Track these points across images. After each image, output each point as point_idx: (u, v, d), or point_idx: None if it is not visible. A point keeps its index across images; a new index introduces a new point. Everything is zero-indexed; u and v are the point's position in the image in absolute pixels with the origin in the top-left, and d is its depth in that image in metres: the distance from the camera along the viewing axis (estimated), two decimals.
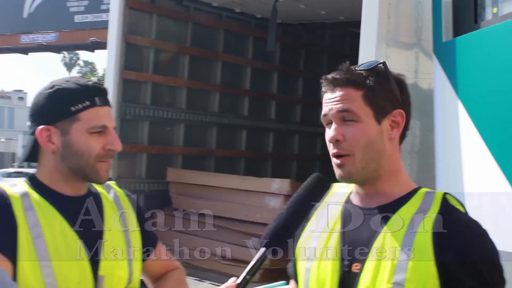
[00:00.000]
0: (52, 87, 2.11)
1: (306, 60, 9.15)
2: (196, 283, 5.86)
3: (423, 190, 1.86)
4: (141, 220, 2.32)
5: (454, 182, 4.03)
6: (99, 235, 2.14)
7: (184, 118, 7.78)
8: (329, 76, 1.86)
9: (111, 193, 2.28)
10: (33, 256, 1.99)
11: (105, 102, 2.12)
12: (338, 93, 1.83)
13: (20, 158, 2.38)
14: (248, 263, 4.92)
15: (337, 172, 1.84)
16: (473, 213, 3.68)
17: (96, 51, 28.98)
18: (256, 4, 7.58)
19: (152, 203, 7.24)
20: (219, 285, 1.79)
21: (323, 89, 1.88)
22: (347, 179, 1.85)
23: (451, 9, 4.30)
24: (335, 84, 1.84)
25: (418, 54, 4.95)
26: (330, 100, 1.84)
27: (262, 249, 1.75)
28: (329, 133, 1.84)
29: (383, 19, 4.64)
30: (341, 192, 2.00)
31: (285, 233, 1.78)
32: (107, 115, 2.12)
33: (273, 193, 6.33)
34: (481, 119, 3.82)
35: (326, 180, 1.88)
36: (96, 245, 2.12)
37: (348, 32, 8.80)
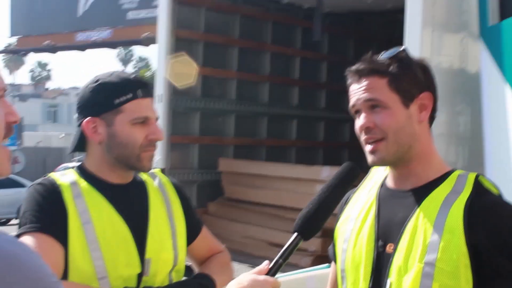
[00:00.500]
0: (96, 81, 2.24)
1: (356, 49, 9.12)
2: (246, 268, 5.96)
3: (457, 172, 1.90)
4: (185, 206, 2.42)
5: (502, 166, 4.02)
6: (145, 220, 2.25)
7: (235, 109, 7.87)
8: (353, 67, 1.94)
9: (156, 181, 2.39)
10: (83, 241, 2.11)
11: (147, 94, 2.23)
12: (364, 83, 1.90)
13: (69, 149, 2.48)
14: (301, 250, 5.05)
15: (370, 158, 1.91)
16: None
17: (150, 46, 29.36)
18: None
19: (205, 193, 7.37)
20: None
21: (349, 80, 1.95)
22: (379, 164, 1.92)
23: None
24: (360, 74, 1.91)
25: (464, 39, 4.93)
26: (357, 90, 1.91)
27: (295, 234, 1.82)
28: (359, 122, 1.91)
29: (428, 4, 4.64)
30: (377, 176, 2.07)
31: (316, 219, 1.84)
32: (149, 107, 2.22)
33: (323, 181, 6.36)
34: None
35: (356, 168, 1.94)
36: (142, 230, 2.23)
37: (396, 19, 8.74)
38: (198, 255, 2.50)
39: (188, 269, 2.47)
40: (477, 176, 1.85)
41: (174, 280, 2.30)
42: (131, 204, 2.25)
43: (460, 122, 4.98)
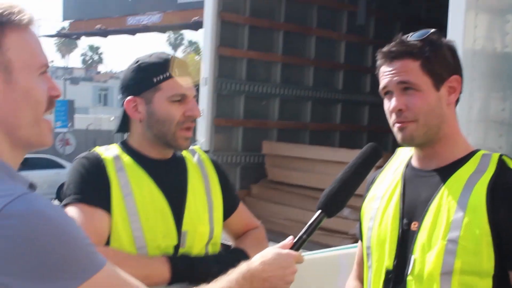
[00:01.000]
0: (136, 62, 2.35)
1: (402, 33, 9.06)
2: None
3: (481, 152, 1.94)
4: (223, 182, 2.51)
5: None
6: (183, 194, 2.34)
7: (279, 93, 7.92)
8: (385, 49, 1.97)
9: (195, 157, 2.49)
10: (124, 212, 2.22)
11: (184, 73, 2.32)
12: (397, 65, 1.93)
13: (114, 129, 2.56)
14: (340, 232, 5.11)
15: (399, 135, 1.94)
16: None
17: (199, 30, 29.44)
18: None
19: (248, 175, 7.46)
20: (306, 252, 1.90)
21: (379, 62, 1.99)
22: (409, 141, 1.95)
23: None
24: (392, 56, 1.94)
25: (509, 22, 4.88)
26: (389, 72, 1.94)
27: (318, 212, 1.88)
28: (391, 103, 1.94)
29: None
30: (403, 157, 2.11)
31: (339, 197, 1.88)
32: (186, 85, 2.31)
33: None
34: None
35: (379, 149, 1.98)
36: (180, 203, 2.32)
37: (443, 3, 8.65)
38: (234, 230, 2.58)
39: (226, 247, 2.55)
40: (500, 156, 1.89)
41: (210, 252, 2.39)
42: (171, 179, 2.34)
43: (505, 107, 4.94)
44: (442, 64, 1.93)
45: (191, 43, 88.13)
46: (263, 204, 7.10)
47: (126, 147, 2.37)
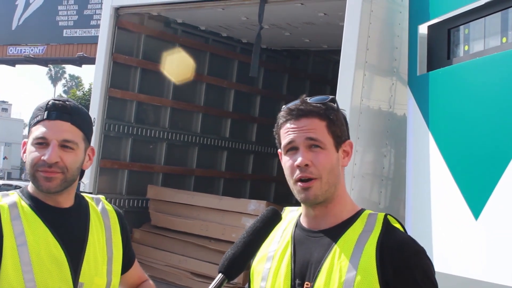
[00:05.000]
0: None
1: (289, 85, 9.32)
2: None
3: (367, 212, 2.02)
4: (124, 235, 2.47)
5: (421, 209, 4.19)
6: (82, 244, 2.28)
7: (167, 137, 7.90)
8: (292, 106, 2.02)
9: (99, 206, 2.43)
10: (17, 262, 2.13)
11: (58, 117, 2.24)
12: (305, 123, 1.98)
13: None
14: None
15: (302, 195, 1.97)
16: (438, 240, 3.84)
17: (83, 66, 28.98)
18: (242, 29, 7.74)
19: (131, 219, 7.30)
20: None
21: (283, 119, 2.03)
22: (312, 201, 1.98)
23: (426, 45, 4.49)
24: (300, 114, 1.99)
25: (394, 85, 5.12)
26: (297, 128, 1.99)
27: (219, 275, 1.85)
28: (297, 158, 1.97)
29: (361, 50, 4.81)
30: (291, 216, 2.15)
31: (240, 261, 1.87)
32: (53, 129, 2.22)
33: (249, 214, 6.45)
34: (450, 152, 3.98)
35: (279, 213, 1.99)
36: (78, 254, 2.26)
37: (331, 59, 8.99)
38: (130, 283, 2.57)
39: None
40: (385, 216, 1.98)
41: None
42: (71, 228, 2.28)
43: (385, 163, 5.15)
44: (341, 128, 2.03)
45: (72, 77, 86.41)
46: (145, 249, 6.99)
47: (25, 194, 2.29)
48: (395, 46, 5.03)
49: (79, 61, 27.10)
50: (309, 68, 9.48)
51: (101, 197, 2.48)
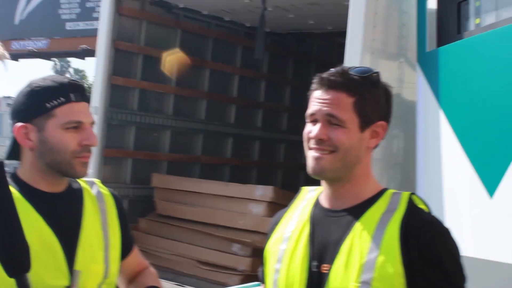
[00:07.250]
0: (29, 86, 2.16)
1: (294, 69, 9.20)
2: (173, 286, 5.87)
3: (390, 191, 1.92)
4: (122, 220, 2.36)
5: (434, 192, 4.07)
6: (77, 230, 2.17)
7: (171, 125, 7.78)
8: (325, 75, 1.89)
9: (94, 189, 2.31)
10: None
11: (82, 98, 2.15)
12: (331, 95, 1.87)
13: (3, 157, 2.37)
14: (231, 269, 4.97)
15: (312, 164, 1.88)
16: (452, 221, 3.72)
17: (86, 58, 28.88)
18: (245, 13, 7.60)
19: (137, 208, 7.23)
20: None
21: (315, 86, 1.91)
22: (319, 173, 1.88)
23: (435, 19, 4.35)
24: (329, 85, 1.88)
25: (403, 64, 4.99)
26: (322, 100, 1.88)
27: None
28: (314, 130, 1.88)
29: (368, 28, 4.68)
30: (309, 196, 2.04)
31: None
32: (83, 111, 2.14)
33: (256, 200, 6.34)
34: (462, 129, 3.86)
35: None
36: (73, 240, 2.14)
37: (336, 42, 8.85)
38: (129, 270, 2.46)
39: None
40: (410, 194, 1.87)
41: None
42: (64, 214, 2.17)
43: (394, 147, 5.03)
44: (374, 106, 1.90)
45: (77, 71, 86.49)
46: (151, 238, 6.90)
47: (15, 180, 2.17)
48: (403, 23, 4.89)
49: (82, 54, 26.97)
50: (314, 51, 9.35)
51: (96, 180, 2.36)
